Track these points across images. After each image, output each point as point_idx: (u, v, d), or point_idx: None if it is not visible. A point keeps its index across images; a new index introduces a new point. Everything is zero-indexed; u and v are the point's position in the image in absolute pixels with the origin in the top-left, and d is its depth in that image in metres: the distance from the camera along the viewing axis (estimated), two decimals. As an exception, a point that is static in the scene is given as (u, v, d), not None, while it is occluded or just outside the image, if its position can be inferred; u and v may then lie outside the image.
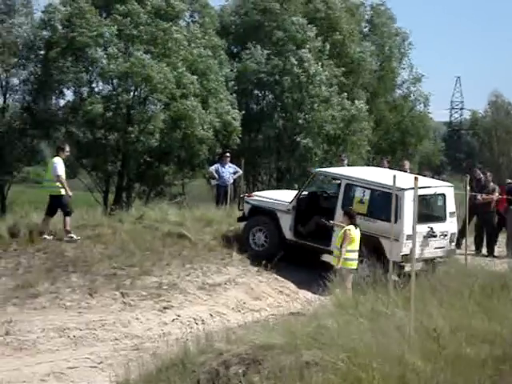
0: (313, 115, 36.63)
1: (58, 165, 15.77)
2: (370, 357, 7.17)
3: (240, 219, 17.83)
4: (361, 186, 16.22)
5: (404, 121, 44.06)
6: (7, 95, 35.38)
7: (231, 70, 36.53)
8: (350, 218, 13.87)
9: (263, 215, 17.26)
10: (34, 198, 38.77)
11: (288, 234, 16.86)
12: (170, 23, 33.70)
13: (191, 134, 32.65)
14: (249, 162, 31.61)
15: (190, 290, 14.37)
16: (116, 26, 32.91)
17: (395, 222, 14.91)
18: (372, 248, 15.33)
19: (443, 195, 16.57)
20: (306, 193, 17.49)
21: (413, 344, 7.48)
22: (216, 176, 21.28)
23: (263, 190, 39.87)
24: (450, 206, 16.59)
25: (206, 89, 33.99)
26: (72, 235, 15.68)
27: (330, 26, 39.56)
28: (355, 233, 13.72)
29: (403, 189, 15.42)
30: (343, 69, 38.56)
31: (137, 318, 12.86)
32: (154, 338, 12.05)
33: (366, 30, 44.01)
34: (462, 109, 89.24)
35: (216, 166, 21.60)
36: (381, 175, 16.96)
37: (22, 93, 35.52)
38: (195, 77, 33.13)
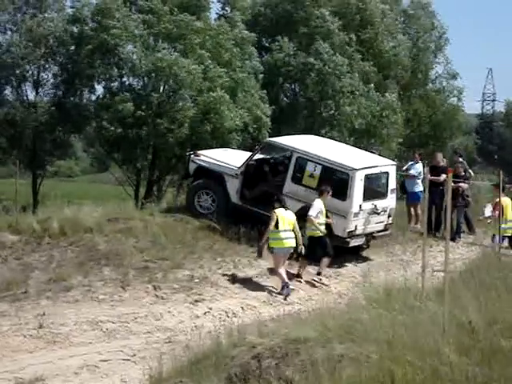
0: (337, 108, 36.45)
1: (314, 206, 15.46)
2: (404, 350, 7.12)
3: (184, 177, 18.13)
4: (312, 161, 16.56)
5: (436, 114, 43.64)
6: (39, 89, 35.60)
7: (262, 63, 36.38)
8: (280, 202, 14.94)
9: (210, 177, 17.38)
10: (66, 191, 39.19)
11: (234, 198, 17.20)
12: (193, 17, 33.62)
13: (221, 126, 32.61)
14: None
15: (221, 283, 14.40)
16: (141, 23, 32.96)
17: (344, 199, 16.10)
18: None
19: (387, 173, 17.29)
20: (254, 159, 17.66)
21: (447, 337, 7.41)
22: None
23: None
24: (392, 183, 17.38)
25: (234, 80, 33.92)
26: (321, 277, 15.28)
27: (362, 20, 39.25)
28: (283, 214, 14.55)
29: (354, 169, 16.32)
30: (371, 63, 38.30)
31: (169, 311, 12.91)
32: (186, 330, 12.06)
33: (402, 21, 43.50)
34: (494, 100, 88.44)
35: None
36: (333, 151, 17.47)
37: (52, 87, 35.72)
38: (223, 69, 33.05)
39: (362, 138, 37.33)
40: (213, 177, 17.36)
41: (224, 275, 14.82)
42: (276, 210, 14.57)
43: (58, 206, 17.39)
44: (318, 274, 15.26)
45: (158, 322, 12.47)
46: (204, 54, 32.88)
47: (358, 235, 16.56)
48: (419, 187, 19.38)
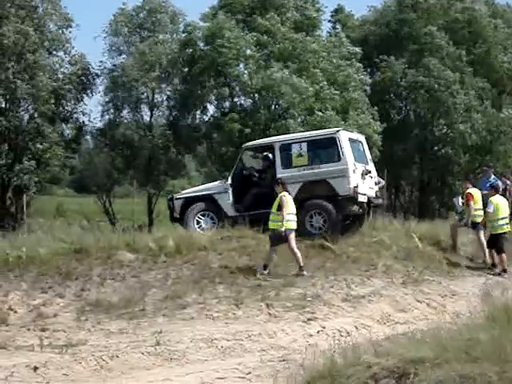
0: (450, 126, 35.81)
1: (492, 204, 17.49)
2: (528, 372, 6.90)
3: (175, 220, 18.47)
4: (295, 142, 17.63)
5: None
6: (154, 111, 36.41)
7: (373, 80, 36.24)
8: (283, 185, 15.57)
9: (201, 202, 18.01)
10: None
11: (230, 212, 17.84)
12: (307, 35, 33.72)
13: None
14: (391, 172, 31.23)
15: (334, 302, 14.30)
16: (255, 42, 33.22)
17: (339, 160, 17.15)
18: (322, 192, 17.09)
19: (361, 142, 18.61)
20: (238, 170, 18.54)
21: None
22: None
23: (405, 201, 39.52)
24: (367, 152, 18.87)
25: (346, 100, 33.85)
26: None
27: (472, 34, 38.55)
28: (289, 198, 15.36)
29: (338, 130, 17.86)
30: (485, 79, 37.51)
31: (282, 330, 12.89)
32: (300, 349, 11.99)
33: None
34: None
35: (357, 177, 21.45)
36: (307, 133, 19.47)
37: (166, 109, 36.47)
38: (337, 91, 33.00)
39: (477, 155, 36.58)
40: (203, 202, 18.07)
41: (336, 294, 14.76)
42: (285, 194, 15.33)
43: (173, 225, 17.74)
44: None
45: (272, 340, 12.47)
46: (318, 73, 32.93)
47: (361, 193, 17.39)
48: None
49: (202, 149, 36.80)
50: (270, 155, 18.19)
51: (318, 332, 12.93)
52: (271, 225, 15.50)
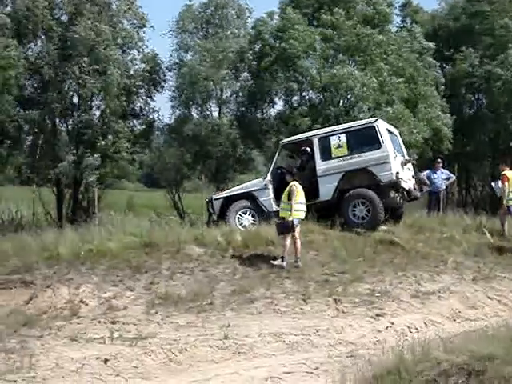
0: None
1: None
2: None
3: (214, 221, 18.28)
4: (334, 134, 17.83)
5: None
6: (222, 107, 36.52)
7: (444, 75, 35.69)
8: (293, 175, 15.66)
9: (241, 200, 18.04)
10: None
11: (272, 207, 17.79)
12: (374, 30, 33.33)
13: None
14: (462, 167, 30.72)
15: (403, 298, 14.20)
16: (320, 36, 32.97)
17: (379, 147, 17.19)
18: (364, 180, 17.18)
19: (397, 136, 18.93)
20: (276, 167, 18.50)
21: None
22: (428, 182, 20.94)
23: (476, 196, 38.87)
24: (403, 146, 19.07)
25: (415, 93, 33.36)
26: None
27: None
28: (299, 187, 15.37)
29: (376, 119, 18.23)
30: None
31: (350, 325, 12.85)
32: (368, 345, 11.96)
33: None
34: None
35: (428, 171, 21.27)
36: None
37: (234, 104, 36.54)
38: (401, 79, 32.52)
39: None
40: (243, 200, 18.13)
41: (405, 290, 14.62)
42: (295, 183, 15.34)
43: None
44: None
45: (340, 335, 12.45)
46: (383, 66, 32.52)
47: (403, 180, 17.45)
48: None
49: (269, 143, 36.73)
50: (308, 149, 18.29)
51: (386, 328, 12.86)
52: (281, 214, 15.60)
